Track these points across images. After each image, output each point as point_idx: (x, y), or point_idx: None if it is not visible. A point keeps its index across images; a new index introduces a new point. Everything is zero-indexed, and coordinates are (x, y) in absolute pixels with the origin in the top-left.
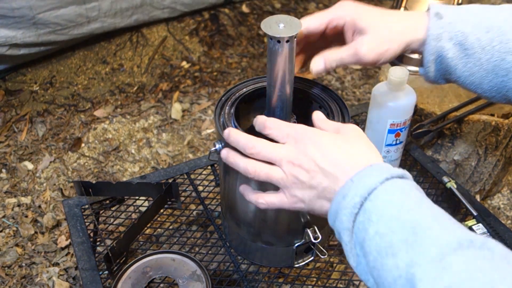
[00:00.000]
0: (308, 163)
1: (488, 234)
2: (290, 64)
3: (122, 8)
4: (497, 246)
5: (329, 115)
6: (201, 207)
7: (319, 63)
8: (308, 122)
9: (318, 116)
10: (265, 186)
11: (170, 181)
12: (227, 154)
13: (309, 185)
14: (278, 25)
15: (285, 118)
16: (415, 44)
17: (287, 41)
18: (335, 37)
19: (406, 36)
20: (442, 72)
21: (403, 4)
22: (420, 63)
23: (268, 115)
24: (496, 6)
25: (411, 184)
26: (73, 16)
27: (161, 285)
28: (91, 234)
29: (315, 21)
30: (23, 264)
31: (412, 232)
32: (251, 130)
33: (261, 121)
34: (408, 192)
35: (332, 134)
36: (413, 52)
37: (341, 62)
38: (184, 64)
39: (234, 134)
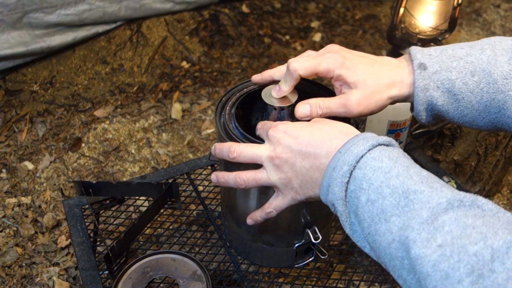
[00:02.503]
0: (285, 152)
1: None
2: None
3: None
4: (487, 204)
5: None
6: (201, 207)
7: (304, 108)
8: None
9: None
10: (266, 193)
11: (170, 181)
12: (216, 177)
13: (293, 173)
14: None
15: None
16: (402, 97)
17: (282, 109)
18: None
19: (393, 90)
20: (434, 117)
21: (403, 4)
22: (411, 108)
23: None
24: (478, 43)
25: (398, 151)
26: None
27: (162, 285)
28: (91, 234)
29: (303, 71)
30: (23, 264)
31: (403, 197)
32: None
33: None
34: (395, 158)
35: (306, 123)
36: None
37: (329, 111)
38: (184, 64)
39: (217, 146)
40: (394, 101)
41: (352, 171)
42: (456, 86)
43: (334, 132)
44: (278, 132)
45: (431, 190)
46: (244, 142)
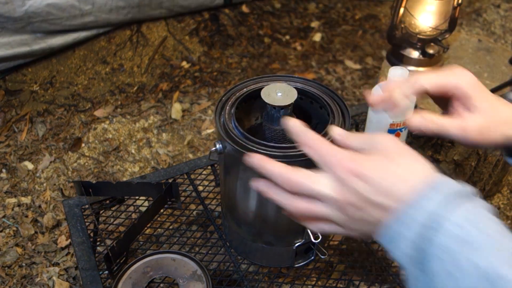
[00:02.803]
0: (354, 198)
1: None
2: None
3: (118, 6)
4: None
5: (329, 115)
6: (201, 207)
7: (418, 121)
8: (309, 123)
9: (337, 132)
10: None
11: (170, 181)
12: (266, 187)
13: (358, 218)
14: (276, 94)
15: None
16: None
17: (282, 108)
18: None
19: (509, 128)
20: None
21: (403, 4)
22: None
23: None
24: None
25: (481, 207)
26: (65, 5)
27: (162, 285)
28: (91, 234)
29: (432, 85)
30: (23, 264)
31: (485, 279)
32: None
33: (297, 131)
34: (477, 223)
35: (373, 157)
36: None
37: (440, 129)
38: (184, 64)
39: (258, 160)
40: (508, 139)
41: (423, 232)
42: None
43: (408, 174)
44: (347, 174)
45: None
46: (248, 143)
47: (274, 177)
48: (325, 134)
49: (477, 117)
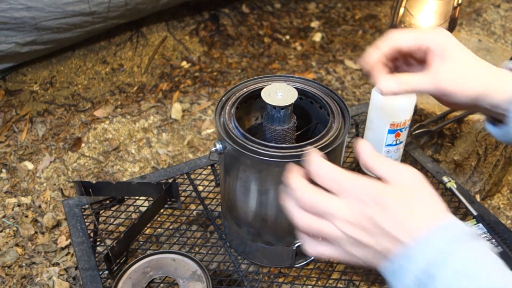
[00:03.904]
0: (368, 223)
1: (488, 234)
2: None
3: (126, 14)
4: None
5: (329, 115)
6: (201, 207)
7: (391, 84)
8: (309, 123)
9: (365, 149)
10: (266, 193)
11: (170, 181)
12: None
13: (367, 244)
14: (277, 94)
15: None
16: (498, 95)
17: (282, 108)
18: (417, 65)
19: (490, 81)
20: None
21: (403, 4)
22: (490, 119)
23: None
24: None
25: (485, 248)
26: (78, 22)
27: (162, 285)
28: (91, 234)
29: (408, 38)
30: (23, 264)
31: None
32: (252, 130)
33: (311, 161)
34: (483, 263)
35: (393, 189)
36: (487, 109)
37: (415, 87)
38: (184, 64)
39: (291, 176)
40: (485, 94)
41: (430, 268)
42: None
43: (425, 213)
44: (364, 197)
45: None
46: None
47: (293, 191)
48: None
49: (451, 65)
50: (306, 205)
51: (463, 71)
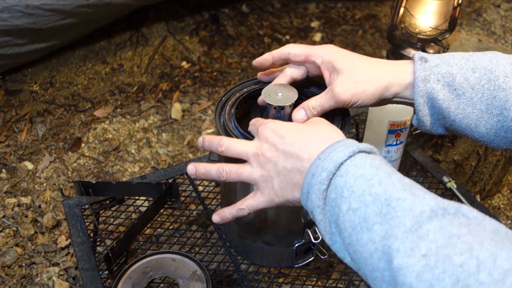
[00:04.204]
0: (270, 150)
1: None
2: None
3: None
4: (472, 212)
5: (330, 115)
6: (201, 207)
7: (300, 114)
8: None
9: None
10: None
11: (170, 181)
12: (195, 168)
13: (275, 172)
14: (277, 94)
15: None
16: (397, 87)
17: (283, 108)
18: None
19: (385, 79)
20: (436, 117)
21: (403, 4)
22: (413, 113)
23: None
24: (479, 52)
25: (380, 158)
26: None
27: (161, 285)
28: (91, 234)
29: (296, 50)
30: (23, 264)
31: (385, 205)
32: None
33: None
34: (377, 166)
35: (294, 123)
36: (398, 100)
37: (322, 108)
38: (184, 64)
39: (207, 138)
40: (384, 91)
41: (331, 178)
42: (456, 80)
43: (319, 136)
44: (266, 130)
45: (414, 197)
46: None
47: (215, 144)
48: None
49: (342, 77)
50: (223, 149)
51: (356, 78)
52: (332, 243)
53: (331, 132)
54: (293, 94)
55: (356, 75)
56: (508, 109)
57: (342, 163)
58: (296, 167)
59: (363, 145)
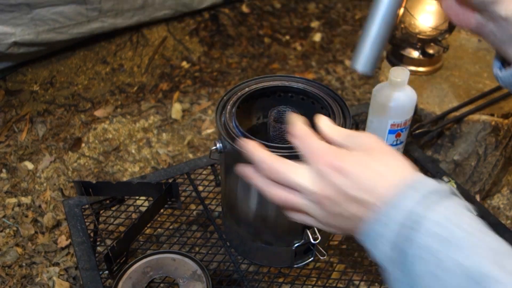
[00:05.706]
0: (333, 191)
1: None
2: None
3: (123, 9)
4: None
5: (330, 115)
6: (201, 207)
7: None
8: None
9: (324, 122)
10: None
11: (170, 181)
12: (248, 173)
13: (337, 213)
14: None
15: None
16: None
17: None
18: None
19: None
20: None
21: (403, 4)
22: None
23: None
24: None
25: (460, 204)
26: (72, 14)
27: (162, 285)
28: (91, 234)
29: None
30: (23, 264)
31: (473, 281)
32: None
33: (292, 121)
34: (460, 221)
35: (355, 153)
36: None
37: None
38: (184, 64)
39: (255, 150)
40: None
41: (405, 231)
42: None
43: (389, 172)
44: (327, 168)
45: (507, 277)
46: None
47: (258, 163)
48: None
49: None
50: (273, 174)
51: None
52: None
53: (399, 167)
54: None
55: None
56: None
57: (414, 213)
58: (365, 213)
59: (437, 188)
